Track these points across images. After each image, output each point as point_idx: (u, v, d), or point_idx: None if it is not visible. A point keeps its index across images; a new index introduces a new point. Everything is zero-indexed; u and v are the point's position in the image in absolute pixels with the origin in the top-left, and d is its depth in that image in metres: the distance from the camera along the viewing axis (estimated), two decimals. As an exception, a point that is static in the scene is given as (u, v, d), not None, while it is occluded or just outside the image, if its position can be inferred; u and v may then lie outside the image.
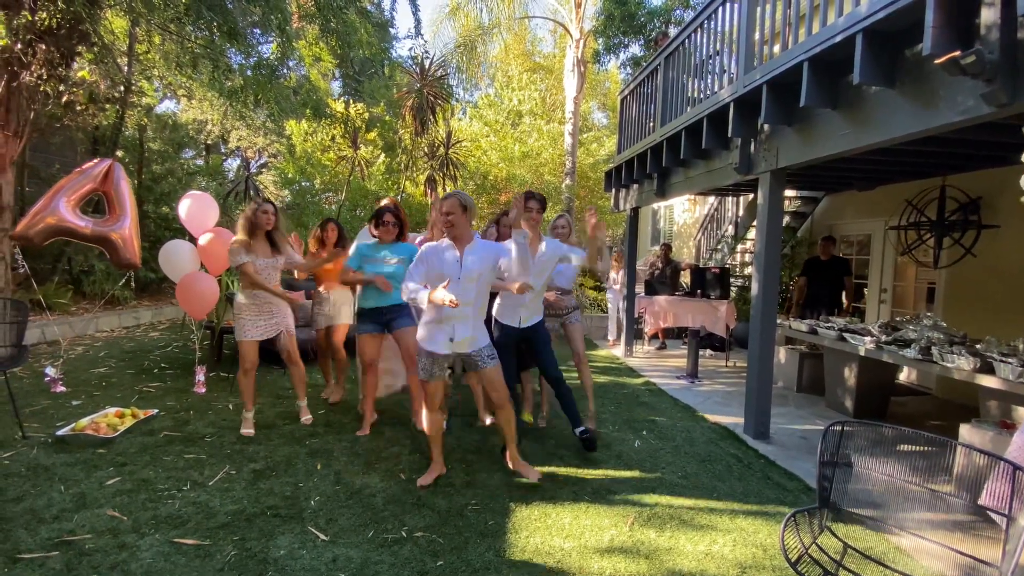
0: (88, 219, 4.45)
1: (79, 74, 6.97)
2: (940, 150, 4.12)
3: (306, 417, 3.91)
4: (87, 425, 3.50)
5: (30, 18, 5.22)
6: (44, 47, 5.58)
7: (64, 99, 6.76)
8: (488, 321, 3.53)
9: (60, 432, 3.44)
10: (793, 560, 1.74)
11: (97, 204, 4.90)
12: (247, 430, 3.64)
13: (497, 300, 3.50)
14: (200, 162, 15.02)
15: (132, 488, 2.82)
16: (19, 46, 5.24)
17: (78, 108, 7.90)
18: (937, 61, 2.34)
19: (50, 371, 4.59)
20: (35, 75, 5.58)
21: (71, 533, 2.38)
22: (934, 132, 2.70)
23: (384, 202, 4.30)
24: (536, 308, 3.48)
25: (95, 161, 4.59)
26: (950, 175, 5.16)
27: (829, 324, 4.70)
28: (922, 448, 1.91)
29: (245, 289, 3.63)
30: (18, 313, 3.87)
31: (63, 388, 4.52)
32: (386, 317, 3.69)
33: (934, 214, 5.32)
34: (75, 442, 3.38)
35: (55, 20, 5.42)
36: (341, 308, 4.38)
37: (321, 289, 4.38)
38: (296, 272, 4.23)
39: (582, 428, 3.50)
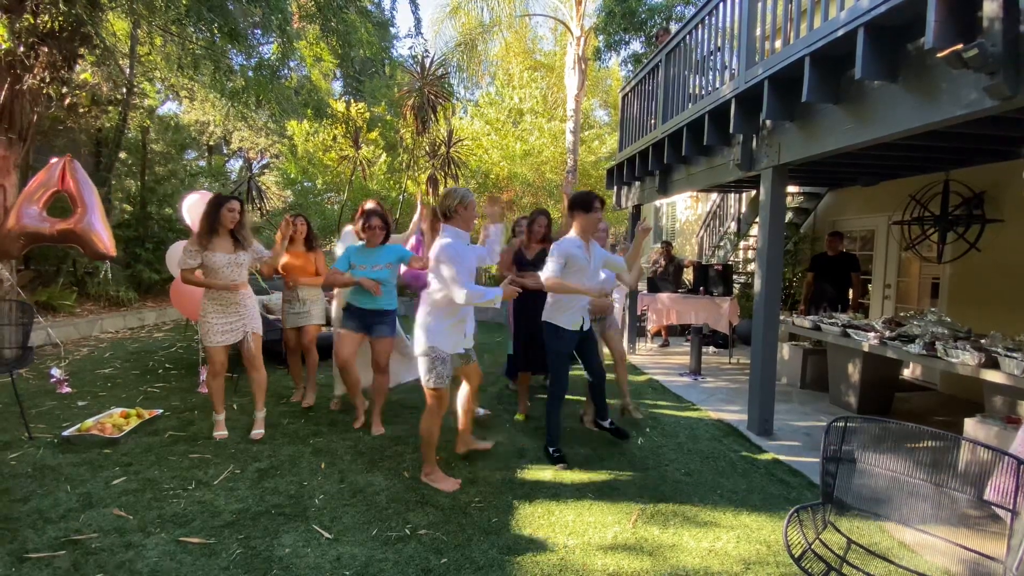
0: (53, 220, 4.38)
1: (81, 76, 7.01)
2: (943, 144, 4.10)
3: (257, 431, 3.62)
4: (93, 425, 3.52)
5: (32, 21, 5.24)
6: (46, 50, 5.60)
7: (67, 102, 6.78)
8: (537, 326, 3.56)
9: (66, 432, 3.46)
10: (796, 556, 1.74)
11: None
12: (220, 432, 3.56)
13: (552, 306, 3.35)
14: (203, 163, 15.06)
15: (138, 488, 2.84)
16: (22, 49, 5.26)
17: (81, 110, 7.93)
18: (939, 55, 2.33)
19: (56, 372, 4.62)
20: (38, 78, 5.60)
21: (78, 532, 2.40)
22: (937, 126, 2.69)
23: (369, 205, 4.27)
24: (587, 310, 3.51)
25: (50, 163, 4.49)
26: (953, 170, 5.13)
27: (832, 320, 4.69)
28: (926, 444, 1.91)
29: (208, 289, 3.48)
30: (24, 315, 3.89)
31: (69, 389, 4.54)
32: (369, 320, 3.67)
33: (938, 209, 5.30)
34: (81, 442, 3.40)
35: (57, 23, 5.43)
36: (312, 307, 4.33)
37: (290, 287, 4.30)
38: (262, 270, 3.99)
39: (610, 420, 3.66)
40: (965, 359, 3.35)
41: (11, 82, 5.34)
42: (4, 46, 5.00)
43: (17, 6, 5.18)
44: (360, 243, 3.75)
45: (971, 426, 3.30)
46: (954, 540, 1.91)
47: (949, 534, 1.94)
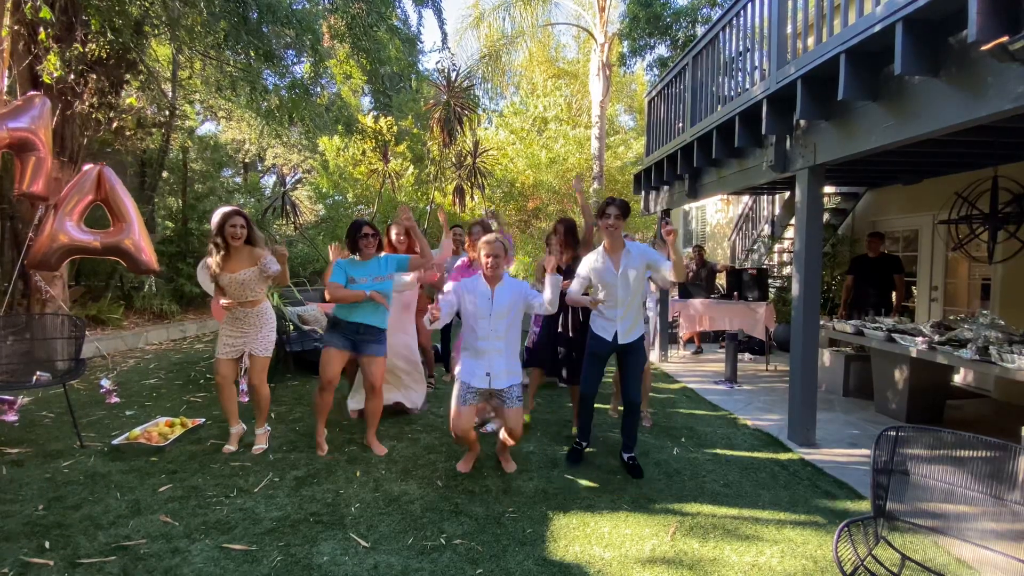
0: (97, 233, 4.31)
1: (127, 101, 7.36)
2: (990, 139, 3.93)
3: (257, 446, 3.58)
4: (140, 434, 3.66)
5: (81, 50, 5.55)
6: (95, 77, 5.93)
7: (114, 125, 7.14)
8: (583, 331, 3.67)
9: (115, 441, 3.61)
10: (848, 572, 1.67)
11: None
12: (230, 447, 3.57)
13: (593, 312, 3.45)
14: (239, 180, 15.60)
15: (183, 495, 2.93)
16: (72, 77, 5.57)
17: (127, 133, 8.33)
18: (984, 47, 2.24)
19: (105, 383, 4.82)
20: (87, 103, 5.92)
21: (127, 538, 2.49)
22: (984, 121, 2.57)
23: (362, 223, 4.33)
24: (632, 323, 3.34)
25: (83, 171, 4.34)
26: (1002, 165, 4.90)
27: (876, 325, 4.51)
28: (983, 453, 1.81)
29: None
30: (76, 329, 4.08)
31: (117, 399, 4.73)
32: (359, 336, 3.51)
33: (987, 207, 5.06)
34: (129, 450, 3.53)
35: (104, 51, 5.74)
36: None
37: None
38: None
39: (632, 455, 3.39)
40: (1022, 364, 3.18)
41: (62, 108, 5.65)
42: (56, 74, 5.29)
43: (67, 36, 5.49)
44: (352, 257, 3.60)
45: (1031, 435, 3.11)
46: (1016, 556, 1.80)
47: (1010, 549, 1.83)
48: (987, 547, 1.81)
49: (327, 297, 3.45)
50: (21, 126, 3.96)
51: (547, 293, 3.12)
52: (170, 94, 9.48)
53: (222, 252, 3.41)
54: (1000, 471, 1.78)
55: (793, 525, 2.71)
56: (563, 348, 3.97)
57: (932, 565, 2.28)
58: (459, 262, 4.61)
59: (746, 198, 9.50)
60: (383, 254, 3.71)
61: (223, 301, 3.47)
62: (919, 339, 3.96)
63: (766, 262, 8.62)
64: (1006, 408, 4.81)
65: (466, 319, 3.16)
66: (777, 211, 8.62)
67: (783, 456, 3.65)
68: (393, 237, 4.26)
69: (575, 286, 3.37)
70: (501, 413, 3.14)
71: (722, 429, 4.21)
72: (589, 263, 3.35)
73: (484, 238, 3.15)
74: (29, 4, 5.03)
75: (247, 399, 4.74)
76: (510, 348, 3.14)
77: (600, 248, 3.38)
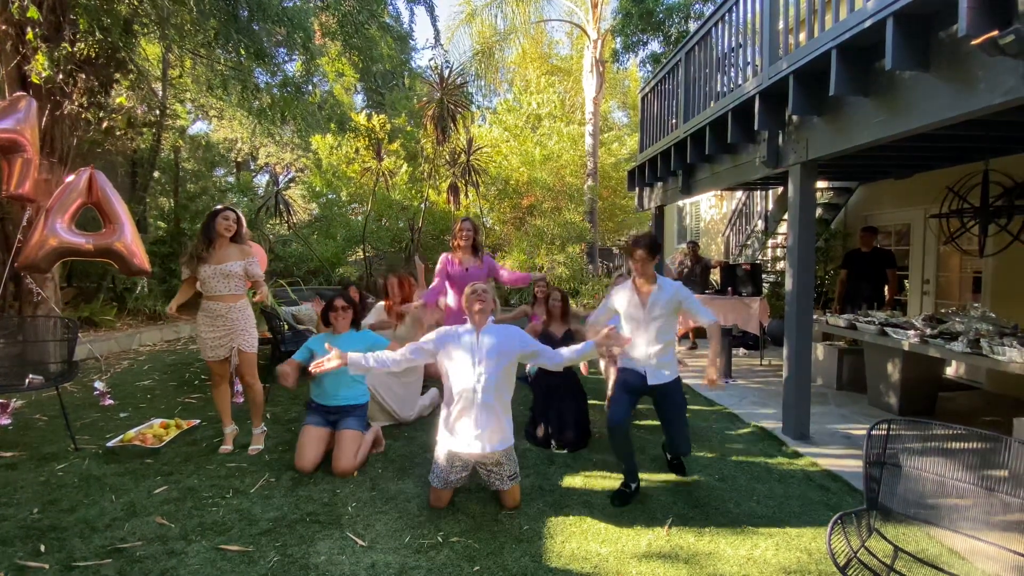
0: (88, 235, 4.27)
1: (117, 101, 7.28)
2: (981, 133, 3.96)
3: (254, 447, 3.57)
4: (134, 436, 3.64)
5: (70, 49, 5.48)
6: (84, 76, 5.86)
7: (104, 125, 7.05)
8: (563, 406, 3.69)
9: (110, 443, 3.59)
10: (842, 564, 1.68)
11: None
12: (226, 447, 3.56)
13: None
14: (231, 179, 15.49)
15: (178, 496, 2.92)
16: (61, 77, 5.50)
17: (117, 133, 8.24)
18: (974, 42, 2.25)
19: (99, 385, 4.79)
20: (76, 104, 5.86)
21: (122, 541, 2.48)
22: (974, 116, 2.59)
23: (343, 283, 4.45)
24: (663, 364, 3.01)
25: (74, 174, 4.32)
26: (993, 159, 4.94)
27: (869, 319, 4.55)
28: (974, 445, 1.83)
29: (202, 301, 3.44)
30: (68, 331, 4.05)
31: (111, 401, 4.70)
32: (334, 417, 3.39)
33: (977, 200, 5.09)
34: (124, 453, 3.51)
35: (93, 50, 5.68)
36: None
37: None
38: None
39: (678, 460, 3.33)
40: (1013, 356, 3.21)
41: (51, 108, 5.59)
42: (44, 74, 5.23)
43: (55, 36, 5.43)
44: (326, 332, 3.50)
45: (1021, 426, 3.15)
46: (1006, 546, 1.83)
47: (1001, 539, 1.85)
48: (979, 538, 1.84)
49: (277, 372, 3.21)
50: (7, 127, 3.91)
51: (569, 352, 2.77)
52: (160, 93, 9.40)
53: (208, 247, 3.41)
54: (991, 462, 1.80)
55: (788, 518, 2.73)
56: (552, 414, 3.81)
57: (924, 556, 2.30)
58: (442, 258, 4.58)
59: (739, 193, 9.53)
60: (362, 328, 3.59)
61: (172, 307, 3.41)
62: (911, 332, 4.00)
63: (760, 257, 8.65)
64: (997, 400, 4.86)
65: (447, 378, 2.77)
66: (770, 206, 8.65)
67: (778, 450, 3.67)
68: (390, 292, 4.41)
69: (598, 313, 3.25)
70: (500, 497, 2.82)
71: (717, 424, 4.24)
72: (619, 296, 3.15)
73: (469, 287, 2.83)
74: (16, 4, 4.97)
75: (242, 399, 4.73)
76: (502, 407, 2.74)
77: (630, 282, 3.14)
